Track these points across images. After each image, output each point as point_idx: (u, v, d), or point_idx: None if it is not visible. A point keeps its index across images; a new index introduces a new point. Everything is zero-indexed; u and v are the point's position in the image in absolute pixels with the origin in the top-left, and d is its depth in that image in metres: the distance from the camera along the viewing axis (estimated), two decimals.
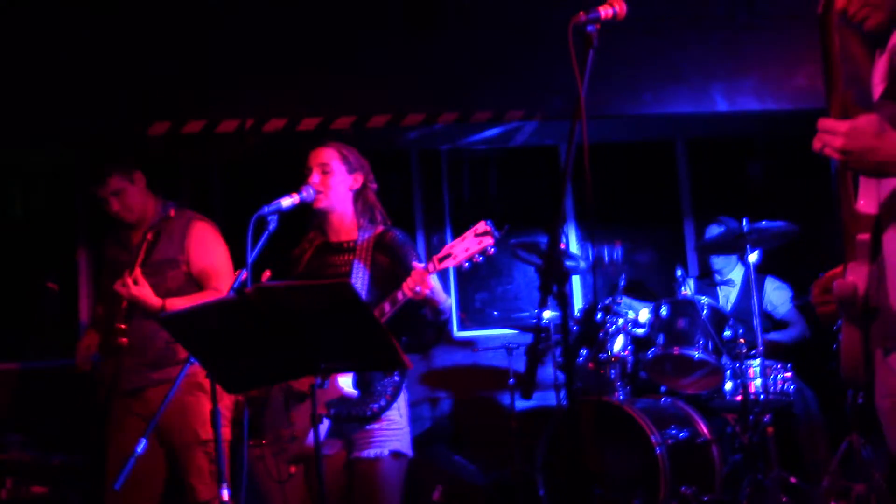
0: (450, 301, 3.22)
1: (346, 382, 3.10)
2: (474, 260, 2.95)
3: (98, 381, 3.92)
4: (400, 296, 3.04)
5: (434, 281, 3.03)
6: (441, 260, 2.99)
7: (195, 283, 3.94)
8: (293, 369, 2.69)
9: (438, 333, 3.28)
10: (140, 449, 2.80)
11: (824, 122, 1.94)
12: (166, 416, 3.56)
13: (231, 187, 6.00)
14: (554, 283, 2.04)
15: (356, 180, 3.42)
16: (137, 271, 3.78)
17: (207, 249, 3.98)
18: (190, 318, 2.55)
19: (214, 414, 2.93)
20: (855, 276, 2.11)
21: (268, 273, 3.48)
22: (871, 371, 2.20)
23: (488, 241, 2.92)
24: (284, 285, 2.46)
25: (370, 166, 3.49)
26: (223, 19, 5.03)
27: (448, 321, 3.28)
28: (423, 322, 3.20)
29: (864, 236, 2.09)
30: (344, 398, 3.11)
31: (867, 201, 2.11)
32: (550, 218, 2.11)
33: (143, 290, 3.73)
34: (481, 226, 2.94)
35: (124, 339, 3.80)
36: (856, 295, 2.09)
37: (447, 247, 3.01)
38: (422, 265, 3.04)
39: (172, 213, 4.01)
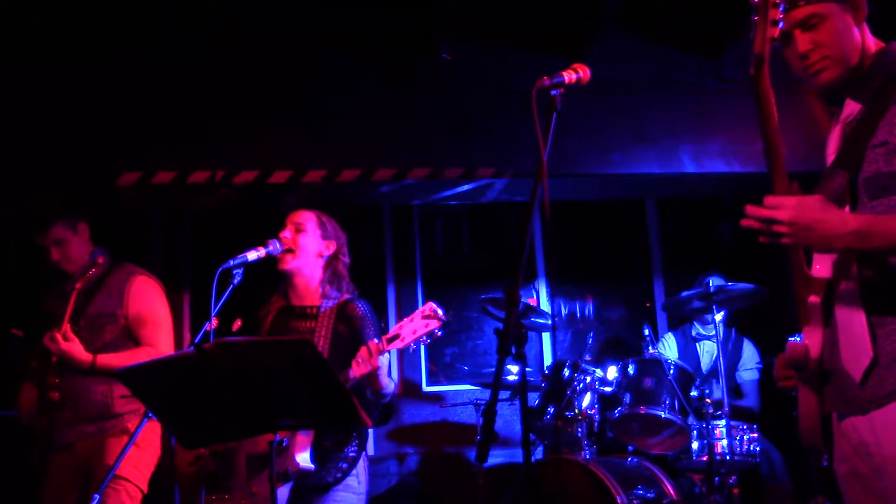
0: (393, 385, 3.22)
1: (303, 458, 3.10)
2: (422, 342, 2.99)
3: (32, 435, 3.87)
4: (351, 374, 3.05)
5: (383, 360, 3.06)
6: (390, 341, 3.02)
7: (132, 337, 3.91)
8: (253, 425, 2.65)
9: (384, 415, 3.30)
10: None
11: (771, 199, 1.99)
12: (92, 454, 3.68)
13: (202, 238, 5.99)
14: (512, 344, 2.04)
15: (328, 247, 3.44)
16: (66, 326, 3.75)
17: (146, 304, 3.95)
18: (148, 372, 2.52)
19: (172, 472, 2.90)
20: (808, 339, 2.13)
21: (238, 323, 3.48)
22: (829, 434, 2.21)
23: (434, 323, 2.96)
24: (245, 341, 2.44)
25: (346, 239, 3.52)
26: (196, 70, 5.06)
27: (392, 405, 3.30)
28: (366, 402, 3.20)
29: (815, 299, 2.12)
30: (301, 472, 3.10)
31: (822, 266, 2.15)
32: (509, 279, 2.11)
33: (72, 346, 3.71)
34: (428, 308, 2.98)
35: (55, 394, 3.76)
36: (807, 357, 2.11)
37: (396, 327, 3.04)
38: (372, 343, 3.04)
39: (101, 260, 3.96)
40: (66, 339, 3.70)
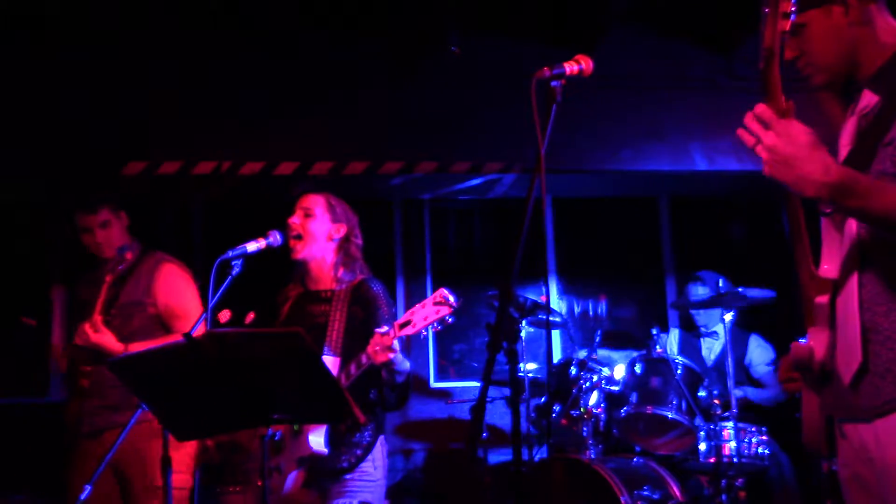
0: (408, 364, 3.19)
1: (317, 441, 3.07)
2: (433, 328, 2.97)
3: (65, 422, 3.87)
4: (364, 359, 3.03)
5: (396, 345, 3.03)
6: (402, 327, 3.00)
7: (162, 325, 3.90)
8: (244, 418, 2.62)
9: (400, 396, 3.25)
10: (83, 496, 2.73)
11: (767, 113, 1.83)
12: (126, 461, 3.56)
13: (213, 227, 5.98)
14: (504, 340, 2.00)
15: (338, 230, 3.39)
16: (97, 318, 3.74)
17: (175, 291, 3.94)
18: (138, 363, 2.50)
19: (165, 462, 2.88)
20: (814, 340, 2.07)
21: (251, 315, 3.45)
22: (832, 438, 2.15)
23: (445, 310, 2.94)
24: (235, 331, 2.41)
25: (357, 221, 3.48)
26: (201, 62, 5.04)
27: (407, 385, 3.25)
28: (380, 382, 3.18)
29: (822, 299, 2.05)
30: (315, 455, 3.08)
31: (831, 266, 2.08)
32: (503, 274, 2.07)
33: (102, 337, 3.69)
34: (439, 294, 2.96)
35: (85, 382, 3.77)
36: (812, 359, 2.05)
37: (408, 313, 3.01)
38: (384, 330, 3.02)
39: (129, 256, 3.96)
40: (96, 330, 3.69)
